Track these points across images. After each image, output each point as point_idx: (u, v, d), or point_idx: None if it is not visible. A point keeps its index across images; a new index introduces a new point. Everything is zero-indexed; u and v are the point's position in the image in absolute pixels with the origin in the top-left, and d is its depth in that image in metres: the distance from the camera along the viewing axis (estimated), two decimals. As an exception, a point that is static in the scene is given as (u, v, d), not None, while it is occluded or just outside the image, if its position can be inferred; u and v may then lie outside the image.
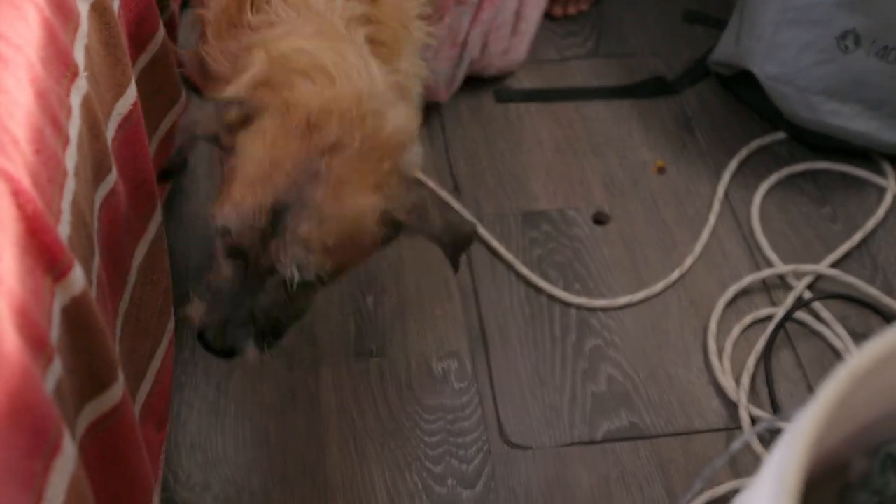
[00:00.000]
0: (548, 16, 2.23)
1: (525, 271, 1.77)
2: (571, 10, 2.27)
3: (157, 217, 1.33)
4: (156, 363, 1.29)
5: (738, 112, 2.06)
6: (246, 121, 1.17)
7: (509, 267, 1.79)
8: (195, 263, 1.74)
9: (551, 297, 1.74)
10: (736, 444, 0.94)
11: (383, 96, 1.25)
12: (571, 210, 1.89)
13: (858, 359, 0.68)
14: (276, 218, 1.14)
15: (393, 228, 1.24)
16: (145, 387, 1.26)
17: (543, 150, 1.99)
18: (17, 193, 0.83)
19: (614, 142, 2.02)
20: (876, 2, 1.75)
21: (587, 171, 1.96)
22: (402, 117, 1.26)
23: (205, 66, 1.39)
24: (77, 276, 0.89)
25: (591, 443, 1.56)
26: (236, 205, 1.15)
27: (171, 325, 1.34)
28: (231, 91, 1.23)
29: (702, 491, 1.48)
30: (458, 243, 1.30)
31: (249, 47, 1.27)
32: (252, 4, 1.31)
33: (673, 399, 1.62)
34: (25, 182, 0.85)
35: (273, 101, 1.18)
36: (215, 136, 1.19)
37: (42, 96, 0.95)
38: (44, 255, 0.85)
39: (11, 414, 0.73)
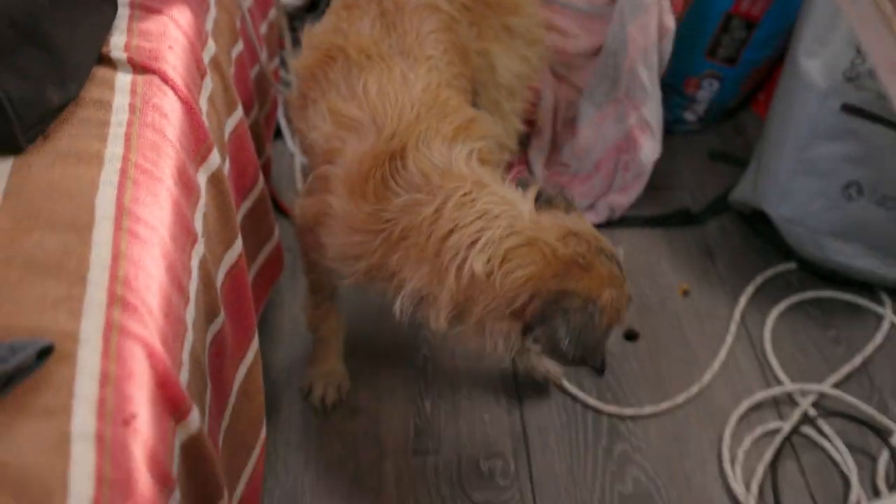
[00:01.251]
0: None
1: (564, 382, 1.81)
2: None
3: (255, 343, 1.38)
4: (250, 465, 1.34)
5: (755, 244, 2.09)
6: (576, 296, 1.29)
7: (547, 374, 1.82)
8: (285, 371, 1.83)
9: (586, 406, 1.78)
10: None
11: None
12: (605, 327, 1.93)
13: None
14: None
15: None
16: (240, 486, 1.31)
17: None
18: (151, 356, 0.93)
19: (645, 266, 2.06)
20: (877, 157, 1.79)
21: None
22: None
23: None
24: (194, 417, 0.97)
25: (618, 540, 1.59)
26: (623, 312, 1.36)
27: (262, 432, 1.40)
28: (446, 297, 1.29)
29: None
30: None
31: (406, 231, 1.31)
32: (391, 173, 1.32)
33: (690, 501, 1.64)
34: (157, 346, 0.94)
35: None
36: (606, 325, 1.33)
37: (171, 268, 1.04)
38: (169, 403, 0.94)
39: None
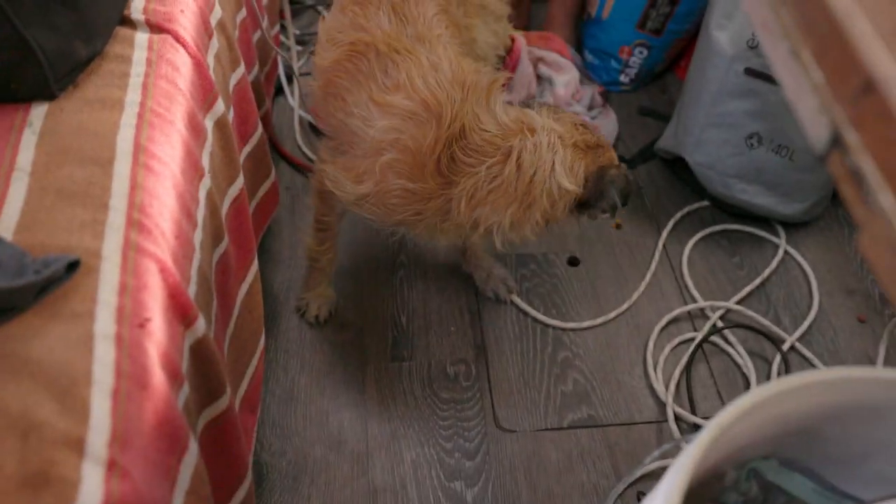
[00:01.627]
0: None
1: (516, 299, 1.81)
2: None
3: (255, 265, 1.37)
4: (251, 367, 1.34)
5: (676, 185, 2.08)
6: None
7: (505, 296, 1.83)
8: (283, 292, 1.81)
9: (535, 320, 1.78)
10: (665, 447, 0.97)
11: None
12: (552, 254, 1.92)
13: (732, 406, 0.73)
14: None
15: None
16: (244, 384, 1.31)
17: (532, 209, 2.02)
18: (163, 271, 0.91)
19: (584, 204, 2.05)
20: (773, 113, 1.78)
21: (564, 225, 1.98)
22: None
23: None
24: (200, 324, 0.96)
25: (559, 429, 1.60)
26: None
27: (262, 340, 1.40)
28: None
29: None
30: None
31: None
32: (463, 152, 1.33)
33: (620, 398, 1.65)
34: (169, 262, 0.92)
35: None
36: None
37: (181, 196, 1.02)
38: (179, 311, 0.92)
39: (157, 426, 0.80)
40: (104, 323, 0.81)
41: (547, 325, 1.78)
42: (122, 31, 1.16)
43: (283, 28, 2.18)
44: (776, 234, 1.96)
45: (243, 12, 1.56)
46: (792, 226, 1.97)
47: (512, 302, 1.81)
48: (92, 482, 0.69)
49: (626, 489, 1.50)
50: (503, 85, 1.43)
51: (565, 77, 2.15)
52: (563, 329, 1.77)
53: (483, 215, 1.36)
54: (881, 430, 0.80)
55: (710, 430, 0.71)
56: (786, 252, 1.93)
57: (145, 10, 1.20)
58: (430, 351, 1.72)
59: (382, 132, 1.34)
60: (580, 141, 1.37)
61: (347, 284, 1.83)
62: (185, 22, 1.21)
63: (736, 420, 0.73)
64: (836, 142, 0.52)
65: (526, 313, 1.79)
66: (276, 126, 2.10)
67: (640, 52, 2.25)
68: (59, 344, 0.77)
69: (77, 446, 0.70)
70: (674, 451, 1.53)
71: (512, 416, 1.62)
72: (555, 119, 1.39)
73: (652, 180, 2.11)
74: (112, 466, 0.71)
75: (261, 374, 1.39)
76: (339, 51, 1.42)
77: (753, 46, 1.76)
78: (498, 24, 1.74)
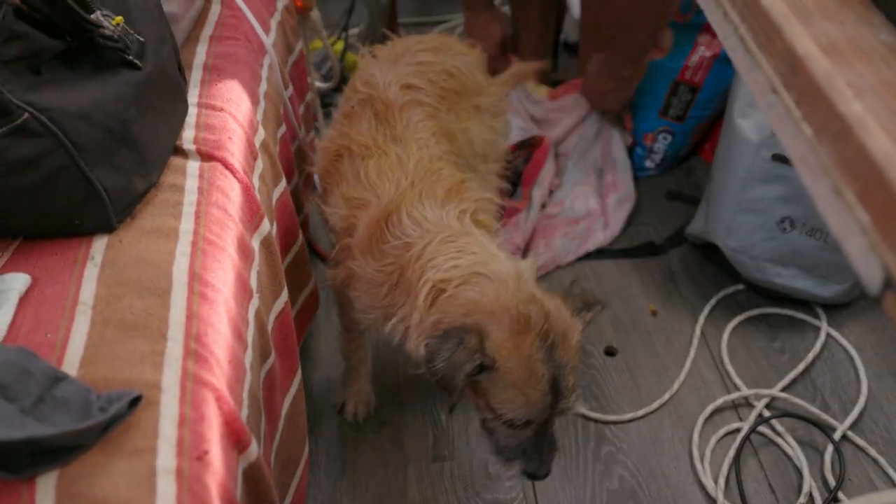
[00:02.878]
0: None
1: (556, 394, 1.81)
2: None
3: (298, 374, 1.39)
4: (296, 478, 1.34)
5: (709, 269, 2.09)
6: (481, 344, 1.19)
7: (544, 390, 1.83)
8: (323, 391, 1.83)
9: (575, 414, 1.77)
10: None
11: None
12: (588, 345, 1.92)
13: None
14: (554, 392, 1.22)
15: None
16: (289, 496, 1.32)
17: (567, 299, 2.04)
18: (219, 399, 0.94)
19: (619, 291, 2.06)
20: (803, 196, 1.79)
21: (599, 314, 2.01)
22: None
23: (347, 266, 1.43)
24: (253, 448, 0.98)
25: (608, 528, 1.59)
26: (525, 403, 1.22)
27: (306, 450, 1.41)
28: (416, 317, 1.27)
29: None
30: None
31: (402, 269, 1.31)
32: (388, 229, 1.34)
33: (668, 495, 1.63)
34: (224, 390, 0.95)
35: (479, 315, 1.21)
36: (477, 367, 1.19)
37: (233, 321, 1.05)
38: (234, 438, 0.95)
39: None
40: (165, 458, 0.83)
41: (588, 419, 1.77)
42: (175, 161, 1.23)
43: (317, 130, 2.26)
44: (817, 317, 1.96)
45: (283, 128, 1.63)
46: (833, 307, 1.97)
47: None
48: None
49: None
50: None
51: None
52: (605, 422, 1.77)
53: (393, 304, 1.35)
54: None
55: None
56: (828, 335, 1.92)
57: (196, 140, 1.27)
58: (471, 449, 1.72)
59: (342, 220, 1.44)
60: (512, 297, 1.22)
61: (386, 381, 1.85)
62: (233, 148, 1.27)
63: None
64: (890, 283, 0.54)
65: (566, 407, 1.79)
66: (311, 226, 2.15)
67: (665, 139, 2.30)
68: (124, 481, 0.80)
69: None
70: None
71: (557, 517, 1.61)
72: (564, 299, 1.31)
73: (684, 265, 2.13)
74: None
75: (305, 484, 1.40)
76: (326, 158, 1.54)
77: (779, 133, 1.80)
78: (495, 120, 1.80)
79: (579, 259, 2.14)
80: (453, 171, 1.48)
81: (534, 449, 1.31)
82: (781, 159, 1.80)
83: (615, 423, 1.77)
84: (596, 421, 1.77)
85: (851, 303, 1.98)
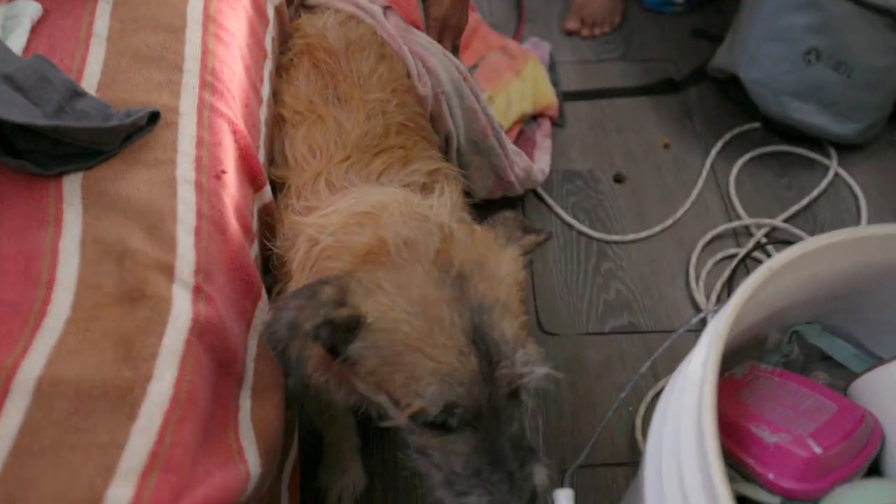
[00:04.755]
0: (578, 35, 2.27)
1: (561, 213, 1.85)
2: (597, 31, 2.27)
3: None
4: None
5: (727, 106, 2.08)
6: (343, 297, 0.81)
7: (550, 209, 1.87)
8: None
9: (580, 233, 1.82)
10: (677, 333, 1.00)
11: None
12: (598, 171, 1.95)
13: (770, 263, 0.76)
14: (480, 350, 0.81)
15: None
16: None
17: (581, 126, 2.05)
18: (235, 132, 0.97)
19: (633, 124, 2.06)
20: (834, 27, 1.77)
21: (612, 143, 2.02)
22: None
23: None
24: (267, 191, 1.02)
25: (601, 333, 1.66)
26: (435, 372, 0.79)
27: None
28: (296, 279, 0.93)
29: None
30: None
31: (296, 234, 0.97)
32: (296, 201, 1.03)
33: (661, 309, 1.70)
34: (240, 125, 0.98)
35: (359, 263, 0.85)
36: (323, 323, 0.79)
37: (248, 70, 1.07)
38: (249, 173, 0.99)
39: (234, 269, 0.87)
40: (185, 170, 0.87)
41: (592, 238, 1.82)
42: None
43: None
44: (827, 156, 1.97)
45: None
46: (844, 148, 1.97)
47: (557, 215, 1.85)
48: (182, 301, 0.76)
49: (664, 388, 1.55)
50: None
51: None
52: (608, 242, 1.81)
53: None
54: (924, 294, 0.84)
55: (746, 287, 0.75)
56: (836, 174, 1.93)
57: None
58: None
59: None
60: (393, 232, 0.86)
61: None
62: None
63: (774, 276, 0.77)
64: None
65: (571, 226, 1.84)
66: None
67: (695, -29, 2.24)
68: (146, 186, 0.84)
69: (167, 271, 0.77)
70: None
71: (555, 321, 1.67)
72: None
73: (702, 102, 2.11)
74: (198, 291, 0.78)
75: None
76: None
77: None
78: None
79: (595, 95, 2.13)
80: (416, 142, 1.15)
81: (490, 466, 0.84)
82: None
83: (617, 242, 1.81)
84: (598, 240, 1.82)
85: (864, 144, 1.98)
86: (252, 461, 0.77)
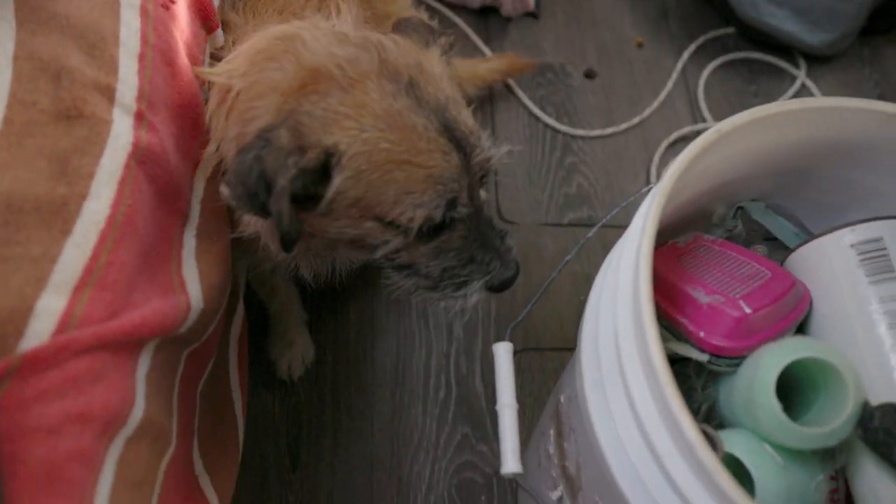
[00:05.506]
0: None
1: (530, 104, 1.83)
2: None
3: None
4: None
5: (704, 10, 2.04)
6: (300, 137, 0.78)
7: (519, 101, 1.84)
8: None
9: (546, 125, 1.81)
10: (617, 208, 1.00)
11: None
12: (569, 65, 1.92)
13: (719, 125, 0.75)
14: (455, 145, 0.83)
15: None
16: None
17: (556, 20, 2.00)
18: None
19: (608, 20, 2.02)
20: None
21: (585, 38, 1.98)
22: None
23: None
24: (220, 34, 0.98)
25: (559, 225, 1.67)
26: (429, 179, 0.82)
27: None
28: (211, 149, 0.88)
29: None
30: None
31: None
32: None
33: (620, 203, 1.70)
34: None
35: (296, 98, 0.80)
36: (297, 175, 0.77)
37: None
38: (200, 11, 0.94)
39: (181, 104, 0.84)
40: (131, -8, 0.82)
41: (557, 131, 1.81)
42: None
43: None
44: (797, 66, 1.95)
45: None
46: (814, 59, 1.96)
47: (525, 107, 1.83)
48: (123, 125, 0.73)
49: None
50: None
51: None
52: (573, 136, 1.80)
53: None
54: (866, 173, 0.84)
55: (694, 147, 0.75)
56: (803, 85, 1.92)
57: None
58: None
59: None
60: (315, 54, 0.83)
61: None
62: None
63: (721, 140, 0.76)
64: None
65: (538, 118, 1.82)
66: None
67: None
68: (86, 4, 0.79)
69: (107, 93, 0.74)
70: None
71: (515, 210, 1.68)
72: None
73: (680, 4, 2.07)
74: (140, 117, 0.75)
75: None
76: None
77: None
78: None
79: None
80: None
81: (481, 249, 0.92)
82: None
83: (582, 137, 1.80)
84: (564, 134, 1.80)
85: (833, 57, 1.97)
86: (194, 294, 0.77)
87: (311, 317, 1.48)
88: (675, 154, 1.76)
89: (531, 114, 1.82)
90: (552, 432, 0.95)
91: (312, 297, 1.51)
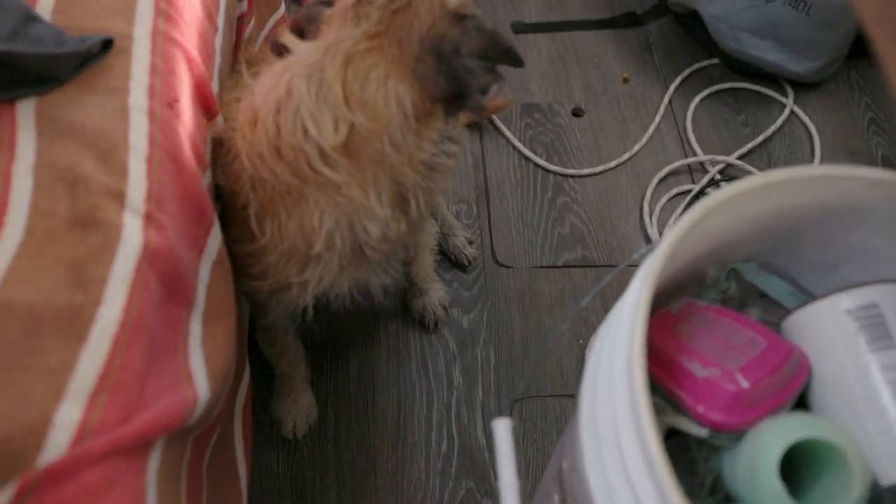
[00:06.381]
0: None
1: (519, 146, 1.87)
2: None
3: None
4: None
5: (687, 42, 2.10)
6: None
7: (508, 142, 1.89)
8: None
9: (536, 165, 1.85)
10: (612, 273, 1.04)
11: None
12: (557, 104, 1.97)
13: (705, 201, 0.79)
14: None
15: None
16: None
17: (541, 59, 2.06)
18: (188, 60, 0.97)
19: (594, 57, 2.07)
20: None
21: (571, 76, 2.03)
22: None
23: None
24: (220, 120, 1.03)
25: (554, 267, 1.70)
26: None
27: None
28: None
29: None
30: None
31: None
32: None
33: (614, 242, 1.75)
34: (195, 54, 0.98)
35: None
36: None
37: (204, 2, 1.06)
38: (203, 102, 0.99)
39: (186, 197, 0.89)
40: (138, 97, 0.88)
41: (548, 171, 1.85)
42: None
43: None
44: (784, 94, 2.00)
45: None
46: (801, 86, 2.01)
47: (515, 148, 1.87)
48: (133, 227, 0.77)
49: (613, 321, 1.61)
50: None
51: None
52: (564, 175, 1.85)
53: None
54: (857, 234, 0.88)
55: (682, 225, 0.78)
56: (792, 112, 1.97)
57: None
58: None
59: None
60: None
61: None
62: None
63: (709, 215, 0.80)
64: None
65: (528, 159, 1.86)
66: None
67: None
68: (98, 112, 0.84)
69: (118, 198, 0.78)
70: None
71: (509, 253, 1.72)
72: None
73: (663, 37, 2.13)
74: (149, 218, 0.79)
75: None
76: None
77: None
78: None
79: (556, 28, 2.13)
80: None
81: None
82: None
83: (573, 176, 1.85)
84: (555, 173, 1.85)
85: (820, 83, 2.02)
86: (201, 385, 0.80)
87: (313, 368, 1.52)
88: (667, 189, 1.83)
89: (521, 154, 1.87)
90: (556, 497, 0.98)
91: (313, 347, 1.55)
